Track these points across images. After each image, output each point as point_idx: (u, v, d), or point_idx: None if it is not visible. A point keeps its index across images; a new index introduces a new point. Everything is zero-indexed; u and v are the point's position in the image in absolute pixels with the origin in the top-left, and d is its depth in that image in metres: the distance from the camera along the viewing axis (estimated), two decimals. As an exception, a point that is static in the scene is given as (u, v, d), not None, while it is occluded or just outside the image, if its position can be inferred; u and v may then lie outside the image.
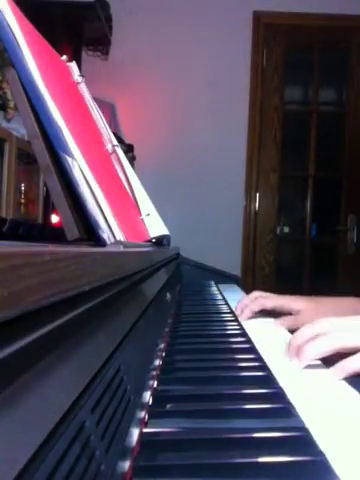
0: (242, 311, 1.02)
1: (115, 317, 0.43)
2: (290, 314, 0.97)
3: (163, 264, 1.04)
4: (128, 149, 2.66)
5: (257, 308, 1.00)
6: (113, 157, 0.95)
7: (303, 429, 0.42)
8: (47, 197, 1.87)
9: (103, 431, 0.31)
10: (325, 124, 3.28)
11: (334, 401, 0.52)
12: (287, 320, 0.96)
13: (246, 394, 0.51)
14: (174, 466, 0.36)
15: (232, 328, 0.87)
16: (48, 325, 0.24)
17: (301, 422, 0.44)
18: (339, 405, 0.51)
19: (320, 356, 0.63)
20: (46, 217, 1.88)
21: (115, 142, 1.00)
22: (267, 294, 1.05)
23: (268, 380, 0.56)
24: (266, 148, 3.20)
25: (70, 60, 0.85)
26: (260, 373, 0.58)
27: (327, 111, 3.45)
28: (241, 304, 1.05)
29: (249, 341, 0.75)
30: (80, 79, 0.87)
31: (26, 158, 1.72)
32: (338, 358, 0.62)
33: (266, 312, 1.02)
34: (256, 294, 1.05)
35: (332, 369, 0.61)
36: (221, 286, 1.62)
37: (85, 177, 0.59)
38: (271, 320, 1.02)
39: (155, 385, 0.53)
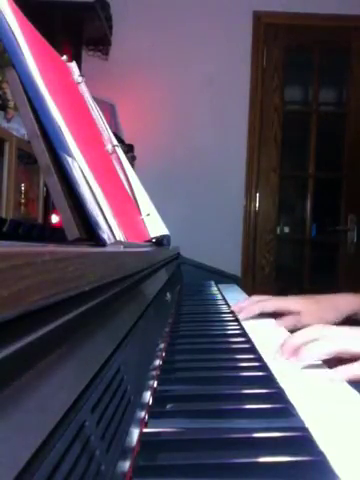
0: (240, 311, 0.99)
1: (115, 317, 0.43)
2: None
3: (163, 264, 1.04)
4: (128, 149, 2.66)
5: (257, 311, 0.98)
6: (113, 157, 0.95)
7: (303, 429, 0.42)
8: (47, 197, 1.87)
9: (103, 431, 0.31)
10: (325, 124, 3.27)
11: (334, 401, 0.52)
12: (287, 320, 0.96)
13: (246, 394, 0.51)
14: (174, 466, 0.36)
15: (232, 328, 0.87)
16: (48, 325, 0.24)
17: (301, 422, 0.44)
18: (339, 405, 0.51)
19: (321, 357, 0.63)
20: (46, 217, 1.88)
21: (115, 142, 1.00)
22: (266, 297, 1.03)
23: (268, 380, 0.56)
24: (266, 148, 3.19)
25: (70, 60, 0.85)
26: (260, 373, 0.58)
27: (327, 111, 3.45)
28: (239, 305, 1.02)
29: (249, 341, 0.75)
30: (80, 79, 0.87)
31: (26, 158, 1.72)
32: (338, 364, 0.62)
33: (266, 314, 1.02)
34: (256, 298, 1.03)
35: (332, 372, 0.60)
36: (221, 286, 1.62)
37: (85, 177, 0.59)
38: (271, 320, 1.02)
39: (155, 385, 0.53)
